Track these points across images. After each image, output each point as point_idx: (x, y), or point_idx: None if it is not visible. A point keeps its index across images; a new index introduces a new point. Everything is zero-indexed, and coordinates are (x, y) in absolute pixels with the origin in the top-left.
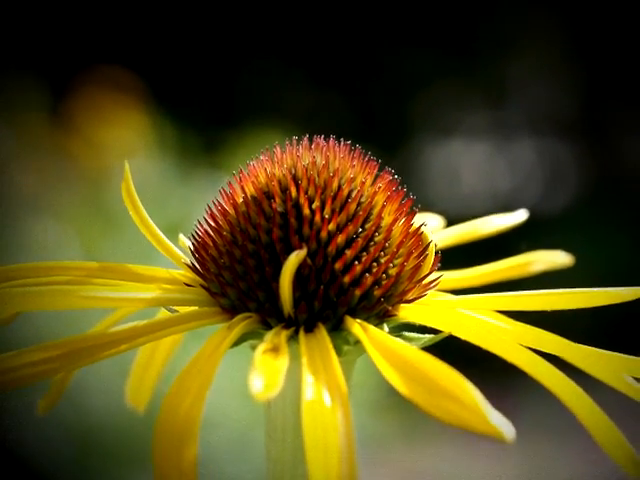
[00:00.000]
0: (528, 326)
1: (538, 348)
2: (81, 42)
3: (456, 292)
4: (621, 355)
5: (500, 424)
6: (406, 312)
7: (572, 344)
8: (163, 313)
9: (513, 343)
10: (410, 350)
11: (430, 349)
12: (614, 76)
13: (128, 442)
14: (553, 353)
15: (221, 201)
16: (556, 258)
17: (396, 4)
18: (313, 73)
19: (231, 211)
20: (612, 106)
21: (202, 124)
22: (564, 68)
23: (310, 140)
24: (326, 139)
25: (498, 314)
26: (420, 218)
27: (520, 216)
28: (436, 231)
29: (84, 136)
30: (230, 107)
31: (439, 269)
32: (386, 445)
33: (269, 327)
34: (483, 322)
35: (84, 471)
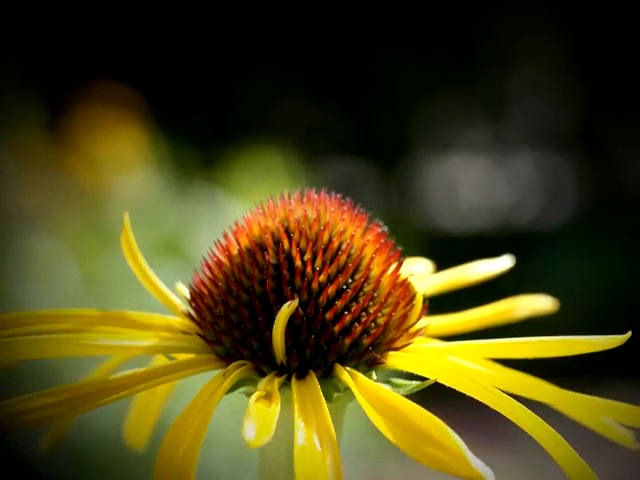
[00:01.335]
0: (511, 372)
1: (520, 394)
2: (78, 58)
3: (445, 337)
4: (601, 399)
5: (481, 468)
6: (394, 360)
7: (554, 389)
8: (160, 358)
9: (494, 390)
10: (397, 398)
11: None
12: (612, 91)
13: (126, 458)
14: (535, 399)
15: (216, 252)
16: (540, 304)
17: (396, 20)
18: (311, 88)
19: (226, 262)
20: (611, 121)
21: (199, 140)
22: (563, 83)
23: (302, 193)
24: (318, 192)
25: (484, 360)
26: (409, 264)
27: (506, 263)
28: (424, 278)
29: (81, 152)
30: (228, 123)
31: (428, 314)
32: (380, 460)
33: (263, 374)
34: (467, 369)
35: None
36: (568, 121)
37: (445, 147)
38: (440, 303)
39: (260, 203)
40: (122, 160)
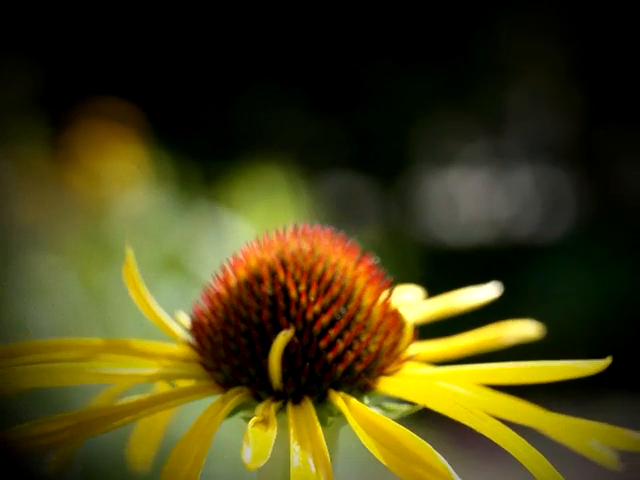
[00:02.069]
0: (498, 396)
1: (506, 417)
2: (80, 75)
3: (436, 362)
4: (587, 422)
5: None
6: (385, 385)
7: (539, 412)
8: (162, 385)
9: (479, 414)
10: (387, 422)
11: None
12: (612, 104)
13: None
14: (520, 422)
15: (215, 283)
16: (526, 330)
17: (395, 34)
18: (311, 103)
19: (225, 293)
20: (610, 133)
21: (201, 155)
22: (562, 96)
23: (296, 227)
24: (311, 226)
25: (472, 385)
26: (400, 292)
27: (493, 291)
28: (414, 306)
29: (83, 168)
30: (229, 138)
31: (419, 339)
32: (382, 472)
33: (260, 399)
34: (454, 394)
35: None
36: (567, 134)
37: (445, 161)
38: (434, 324)
39: (259, 230)
40: (123, 176)
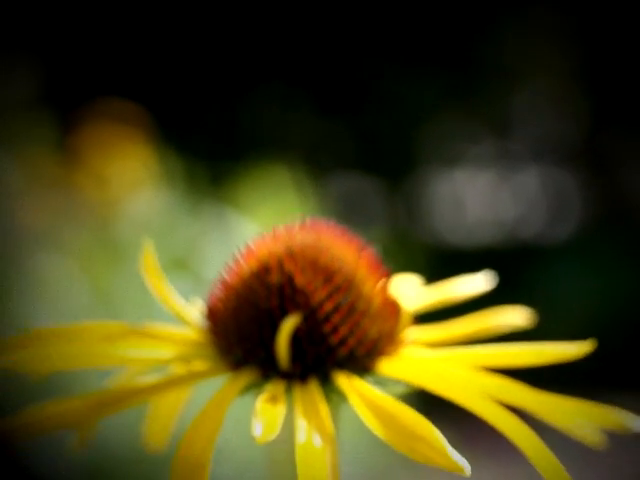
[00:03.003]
0: (492, 377)
1: (500, 398)
2: (86, 75)
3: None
4: (576, 401)
5: (460, 461)
6: (384, 367)
7: (531, 392)
8: (178, 367)
9: (473, 394)
10: (386, 399)
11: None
12: (618, 106)
13: (138, 469)
14: (511, 402)
15: (227, 273)
16: (518, 318)
17: (401, 36)
18: (318, 103)
19: (237, 282)
20: (616, 136)
21: (208, 156)
22: (568, 98)
23: (303, 221)
24: (317, 220)
25: (465, 367)
26: (399, 280)
27: (489, 281)
28: (413, 293)
29: (90, 170)
30: (236, 139)
31: (417, 324)
32: (390, 474)
33: (269, 379)
34: (450, 375)
35: None
36: (573, 136)
37: (451, 162)
38: (434, 312)
39: (267, 225)
40: (130, 177)
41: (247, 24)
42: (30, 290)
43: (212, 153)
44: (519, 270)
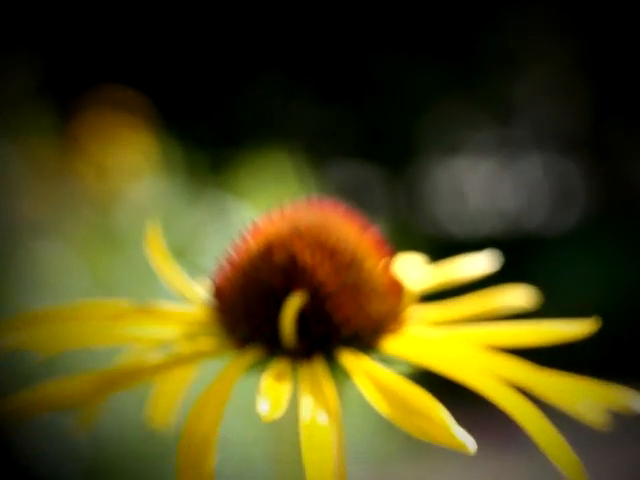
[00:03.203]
0: (495, 356)
1: (503, 376)
2: (85, 63)
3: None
4: (580, 380)
5: (464, 439)
6: (388, 345)
7: (536, 371)
8: (185, 344)
9: (477, 372)
10: (390, 376)
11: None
12: (622, 94)
13: (138, 459)
14: (515, 381)
15: (233, 252)
16: (521, 298)
17: (402, 24)
18: (319, 91)
19: (242, 261)
20: (619, 124)
21: (208, 144)
22: (571, 86)
23: (308, 200)
24: (322, 199)
25: (469, 345)
26: (402, 260)
27: (492, 263)
28: (416, 272)
29: (90, 157)
30: (236, 127)
31: (422, 303)
32: (392, 461)
33: (274, 357)
34: (454, 354)
35: None
36: (576, 124)
37: (453, 150)
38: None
39: (271, 209)
40: (130, 165)
41: (248, 13)
42: (30, 278)
43: (213, 141)
44: (521, 259)
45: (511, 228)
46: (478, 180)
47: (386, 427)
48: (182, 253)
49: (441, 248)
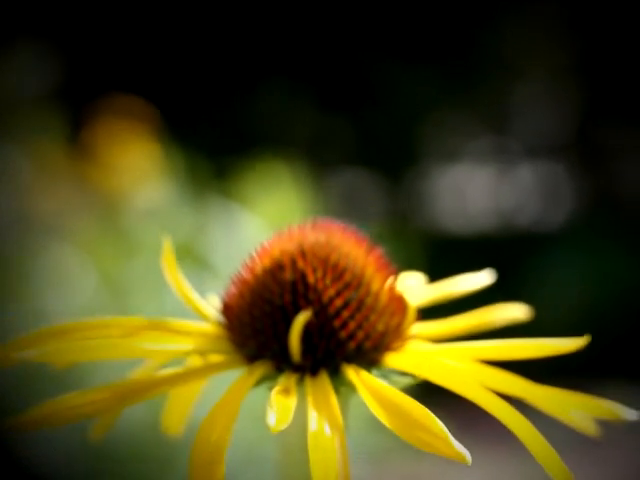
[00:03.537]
0: (490, 370)
1: (498, 389)
2: (97, 73)
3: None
4: (570, 393)
5: (461, 450)
6: (391, 360)
7: (525, 383)
8: (195, 359)
9: (473, 385)
10: (392, 391)
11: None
12: (611, 101)
13: (143, 458)
14: (508, 392)
15: (243, 270)
16: (515, 313)
17: (401, 32)
18: (320, 98)
19: (251, 279)
20: (608, 130)
21: (212, 151)
22: (563, 94)
23: (314, 222)
24: (327, 220)
25: (467, 360)
26: (404, 278)
27: (488, 277)
28: (417, 290)
29: (99, 163)
30: (239, 134)
31: (420, 320)
32: (390, 459)
33: (282, 372)
34: (452, 368)
35: None
36: (567, 130)
37: (451, 156)
38: (437, 307)
39: (275, 219)
40: (138, 170)
41: (250, 21)
42: (41, 279)
43: (215, 148)
44: (515, 257)
45: (505, 227)
46: (475, 183)
47: (385, 427)
48: (187, 254)
49: (440, 250)
